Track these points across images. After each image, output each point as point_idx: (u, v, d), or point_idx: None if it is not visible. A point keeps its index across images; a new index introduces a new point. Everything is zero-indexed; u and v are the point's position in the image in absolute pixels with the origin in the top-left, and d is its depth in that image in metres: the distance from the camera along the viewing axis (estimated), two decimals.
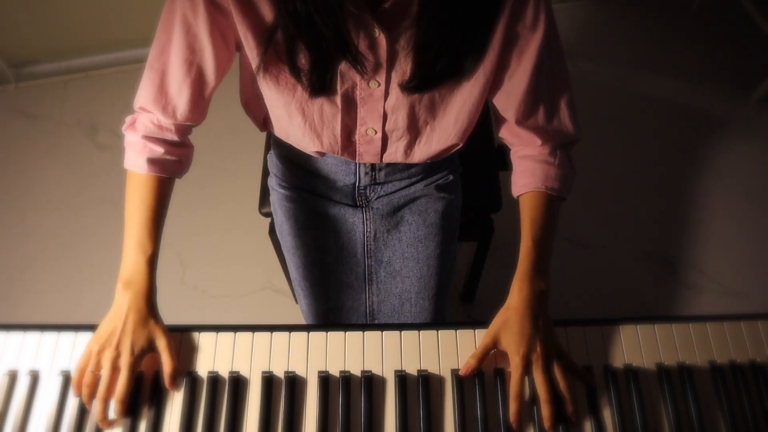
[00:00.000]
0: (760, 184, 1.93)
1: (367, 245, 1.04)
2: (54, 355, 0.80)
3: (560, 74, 0.86)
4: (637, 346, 0.82)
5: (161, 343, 0.79)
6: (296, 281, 1.05)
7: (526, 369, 0.77)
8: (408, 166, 1.05)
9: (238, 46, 0.84)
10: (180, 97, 0.84)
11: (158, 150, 0.86)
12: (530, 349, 0.78)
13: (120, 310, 0.79)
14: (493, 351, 0.80)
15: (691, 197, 1.91)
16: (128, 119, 0.89)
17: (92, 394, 0.76)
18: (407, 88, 0.82)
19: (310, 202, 1.07)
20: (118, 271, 0.83)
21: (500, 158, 1.36)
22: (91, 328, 0.82)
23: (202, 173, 1.96)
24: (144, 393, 0.77)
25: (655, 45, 2.26)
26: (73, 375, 0.77)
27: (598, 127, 2.05)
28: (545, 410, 0.75)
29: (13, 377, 0.78)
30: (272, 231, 1.21)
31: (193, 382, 0.78)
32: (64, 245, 1.84)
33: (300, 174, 1.08)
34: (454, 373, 0.79)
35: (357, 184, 1.05)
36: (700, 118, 2.07)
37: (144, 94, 0.85)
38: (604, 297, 1.72)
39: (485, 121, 1.41)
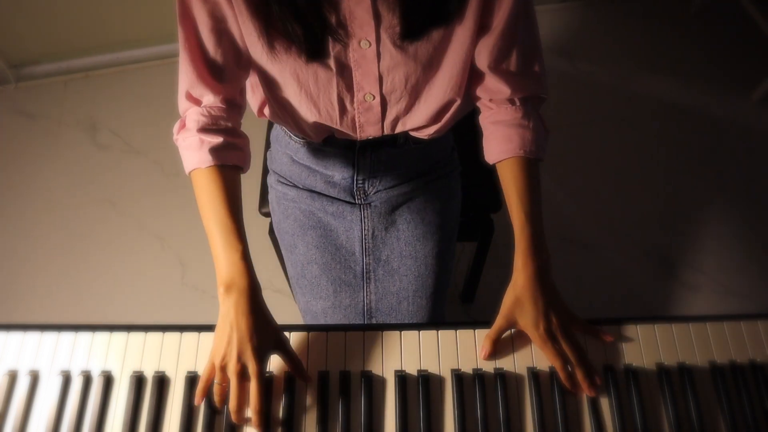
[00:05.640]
0: (760, 183, 1.93)
1: (365, 243, 1.04)
2: (54, 355, 0.80)
3: (533, 33, 0.88)
4: (637, 346, 0.82)
5: (279, 344, 0.78)
6: (294, 279, 1.05)
7: (553, 341, 0.80)
8: (406, 157, 1.05)
9: None
10: (217, 66, 0.84)
11: (217, 140, 0.85)
12: (548, 323, 0.80)
13: (229, 316, 0.77)
14: (509, 331, 0.83)
15: (691, 197, 1.91)
16: (176, 126, 0.88)
17: (223, 403, 0.75)
18: (398, 39, 0.82)
19: (309, 200, 1.07)
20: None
21: None
22: (91, 328, 0.82)
23: None
24: (144, 393, 0.78)
25: (655, 45, 2.26)
26: (199, 384, 0.76)
27: (597, 127, 2.05)
28: (579, 373, 0.78)
29: (13, 377, 0.78)
30: (272, 231, 1.21)
31: (193, 382, 0.78)
32: (64, 245, 1.84)
33: (298, 170, 1.08)
34: (454, 372, 0.79)
35: (355, 177, 1.05)
36: (700, 118, 2.07)
37: (185, 77, 0.84)
38: (604, 297, 1.72)
39: None
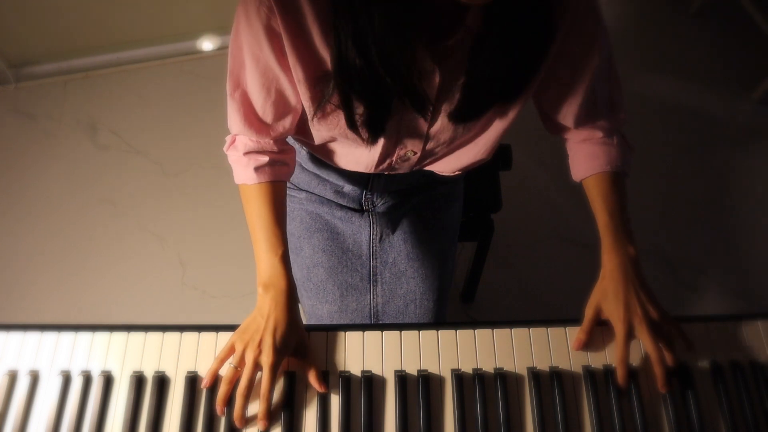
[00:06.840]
0: (760, 183, 1.93)
1: (372, 247, 1.05)
2: (54, 355, 0.80)
3: (616, 84, 0.89)
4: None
5: (302, 348, 0.80)
6: (299, 281, 1.05)
7: (629, 334, 0.80)
8: (418, 175, 1.05)
9: None
10: (267, 117, 0.84)
11: (263, 159, 0.87)
12: (631, 314, 0.80)
13: (262, 309, 0.80)
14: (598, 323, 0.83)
15: (692, 197, 1.91)
16: (228, 138, 0.90)
17: (229, 390, 0.76)
18: (454, 117, 0.82)
19: (316, 202, 1.07)
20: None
21: (500, 158, 1.36)
22: (91, 328, 0.82)
23: (202, 173, 1.96)
24: (144, 393, 0.78)
25: (655, 45, 2.26)
26: (212, 364, 0.78)
27: None
28: (657, 370, 0.78)
29: (13, 377, 0.78)
30: None
31: (193, 382, 0.78)
32: (64, 245, 1.84)
33: (307, 178, 1.08)
34: (454, 373, 0.79)
35: (365, 192, 1.06)
36: (700, 117, 2.07)
37: (234, 124, 0.86)
38: None
39: None
